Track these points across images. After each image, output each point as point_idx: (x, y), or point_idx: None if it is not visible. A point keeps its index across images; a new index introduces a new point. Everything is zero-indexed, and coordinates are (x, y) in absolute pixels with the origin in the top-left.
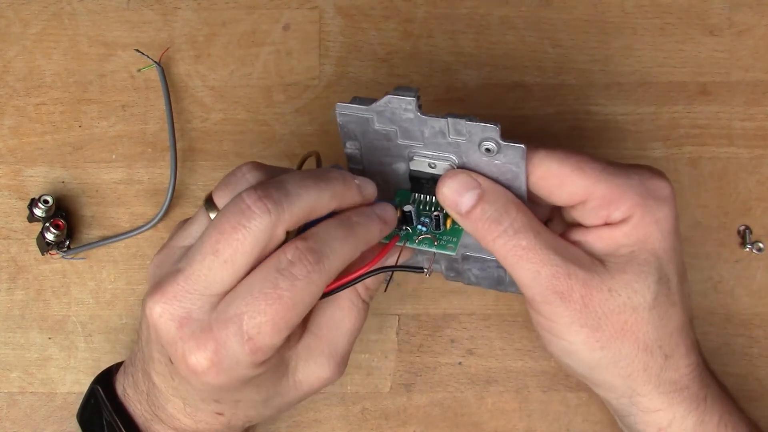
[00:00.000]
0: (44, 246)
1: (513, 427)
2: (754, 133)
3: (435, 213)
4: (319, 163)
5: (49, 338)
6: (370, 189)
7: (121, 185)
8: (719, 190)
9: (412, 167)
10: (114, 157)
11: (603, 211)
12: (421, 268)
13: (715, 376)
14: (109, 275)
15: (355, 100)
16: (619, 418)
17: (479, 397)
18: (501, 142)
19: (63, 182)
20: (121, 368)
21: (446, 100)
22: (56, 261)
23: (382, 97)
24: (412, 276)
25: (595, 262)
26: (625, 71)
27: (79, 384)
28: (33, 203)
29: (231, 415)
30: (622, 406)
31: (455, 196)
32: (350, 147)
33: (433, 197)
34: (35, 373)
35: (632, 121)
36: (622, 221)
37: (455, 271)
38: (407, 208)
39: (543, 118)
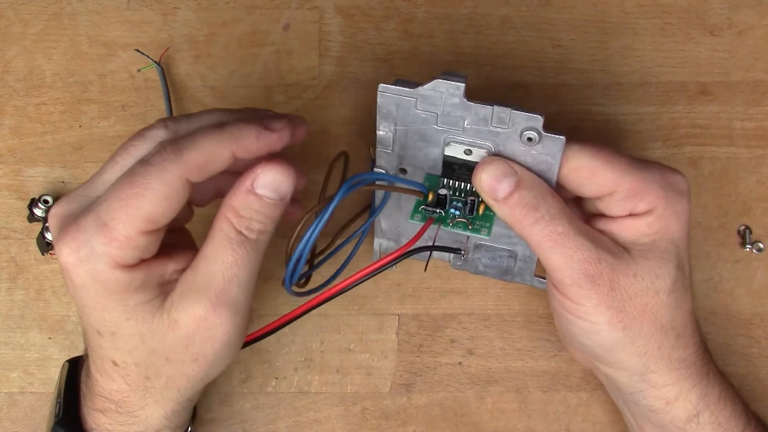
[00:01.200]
0: (44, 246)
1: (513, 427)
2: (754, 133)
3: (471, 198)
4: (347, 164)
5: (49, 338)
6: (278, 123)
7: None
8: (719, 190)
9: (447, 152)
10: None
11: (629, 203)
12: (459, 249)
13: (709, 354)
14: None
15: (398, 82)
16: (626, 395)
17: (479, 397)
18: (543, 132)
19: (63, 182)
20: None
21: None
22: (56, 261)
23: (428, 81)
24: (413, 276)
25: (620, 248)
26: (625, 71)
27: None
28: (33, 203)
29: (123, 364)
30: (632, 383)
31: (494, 182)
32: (384, 129)
33: (463, 183)
34: (35, 373)
35: (632, 121)
36: (647, 213)
37: (463, 259)
38: (442, 191)
39: None
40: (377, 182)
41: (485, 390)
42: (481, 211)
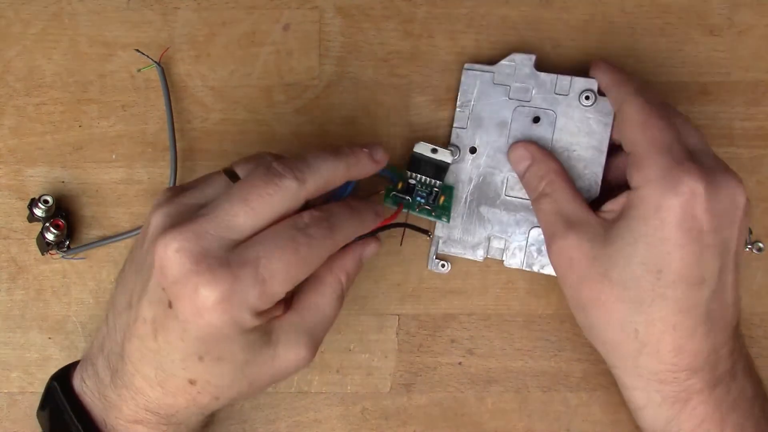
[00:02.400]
0: (44, 246)
1: (513, 427)
2: (754, 133)
3: (435, 189)
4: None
5: (49, 338)
6: (379, 154)
7: (121, 185)
8: None
9: (415, 149)
10: (114, 157)
11: (633, 172)
12: (426, 230)
13: (728, 382)
14: (109, 275)
15: (471, 63)
16: None
17: (479, 397)
18: (597, 94)
19: (63, 182)
20: (80, 362)
21: (447, 100)
22: (56, 261)
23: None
24: (412, 276)
25: (596, 232)
26: (625, 71)
27: None
28: (33, 203)
29: (203, 384)
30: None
31: (514, 160)
32: (462, 107)
33: (426, 178)
34: (35, 373)
35: None
36: (634, 188)
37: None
38: (412, 180)
39: None
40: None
41: (485, 390)
42: (441, 201)
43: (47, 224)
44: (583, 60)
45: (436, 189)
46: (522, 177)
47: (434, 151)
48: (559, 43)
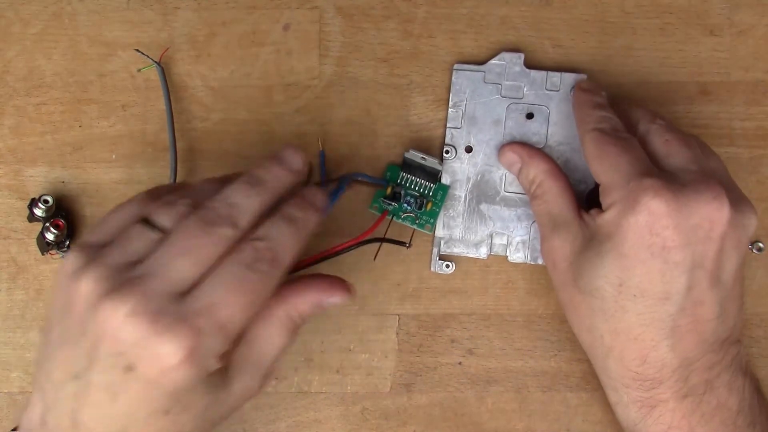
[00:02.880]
0: (44, 246)
1: (513, 427)
2: (754, 133)
3: (418, 195)
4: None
5: None
6: (294, 161)
7: (121, 185)
8: None
9: (406, 156)
10: (114, 157)
11: (600, 197)
12: (405, 242)
13: (710, 398)
14: None
15: (460, 63)
16: None
17: (479, 397)
18: None
19: (63, 182)
20: None
21: (446, 100)
22: (56, 261)
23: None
24: (413, 276)
25: (577, 236)
26: (625, 71)
27: None
28: (33, 203)
29: (167, 428)
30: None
31: (507, 166)
32: (455, 107)
33: (418, 179)
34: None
35: None
36: (603, 210)
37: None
38: (398, 189)
39: None
40: (359, 179)
41: (485, 390)
42: (428, 207)
43: (47, 224)
44: (583, 60)
45: (420, 196)
46: (517, 178)
47: (424, 159)
48: (559, 43)
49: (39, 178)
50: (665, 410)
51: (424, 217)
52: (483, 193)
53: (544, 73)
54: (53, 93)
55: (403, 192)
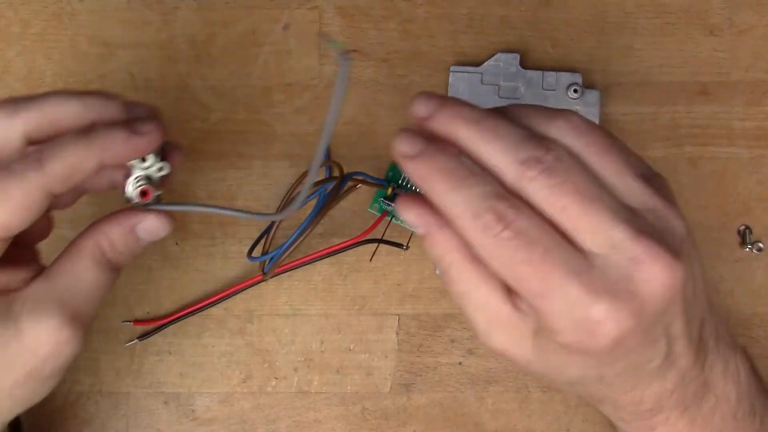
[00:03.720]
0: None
1: (513, 427)
2: (754, 133)
3: None
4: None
5: None
6: (146, 126)
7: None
8: (719, 190)
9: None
10: None
11: None
12: (402, 244)
13: (708, 400)
14: None
15: (458, 65)
16: None
17: (479, 397)
18: (582, 87)
19: None
20: None
21: None
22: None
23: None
24: (413, 276)
25: (519, 327)
26: (625, 71)
27: (79, 383)
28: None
29: None
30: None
31: (405, 220)
32: None
33: None
34: None
35: (632, 121)
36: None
37: None
38: (398, 191)
39: None
40: (354, 178)
41: (485, 390)
42: None
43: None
44: (583, 60)
45: None
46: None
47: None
48: (559, 43)
49: None
50: (667, 428)
51: None
52: None
53: (539, 72)
54: None
55: (402, 193)
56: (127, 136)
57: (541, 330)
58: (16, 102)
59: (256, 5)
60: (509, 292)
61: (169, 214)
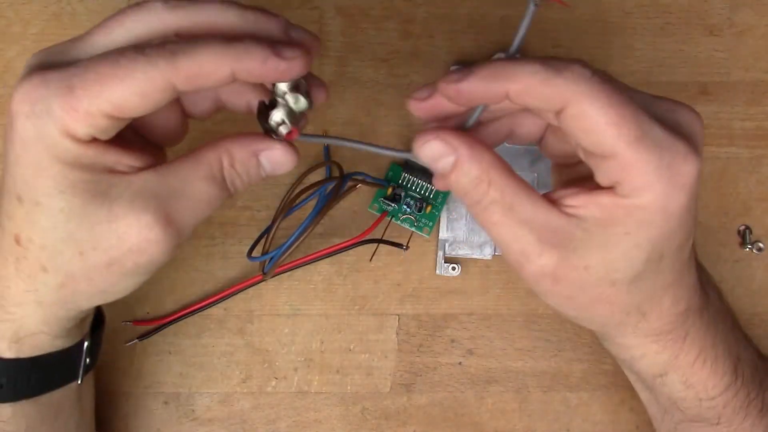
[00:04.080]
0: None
1: (513, 427)
2: (754, 133)
3: (419, 198)
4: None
5: None
6: (296, 53)
7: None
8: (719, 190)
9: (408, 159)
10: None
11: (617, 176)
12: (402, 244)
13: (711, 310)
14: None
15: (457, 65)
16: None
17: (479, 397)
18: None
19: None
20: None
21: None
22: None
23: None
24: (413, 276)
25: (575, 237)
26: (625, 71)
27: None
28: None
29: (26, 242)
30: (599, 336)
31: (432, 163)
32: None
33: (419, 180)
34: None
35: None
36: (629, 196)
37: None
38: (398, 191)
39: None
40: (354, 178)
41: (485, 390)
42: (427, 210)
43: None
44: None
45: (428, 193)
46: (444, 178)
47: (425, 163)
48: (559, 43)
49: None
50: (695, 333)
51: (423, 220)
52: None
53: None
54: None
55: (403, 193)
56: (267, 55)
57: (599, 224)
58: (177, 48)
59: (256, 5)
60: (553, 202)
61: (296, 152)
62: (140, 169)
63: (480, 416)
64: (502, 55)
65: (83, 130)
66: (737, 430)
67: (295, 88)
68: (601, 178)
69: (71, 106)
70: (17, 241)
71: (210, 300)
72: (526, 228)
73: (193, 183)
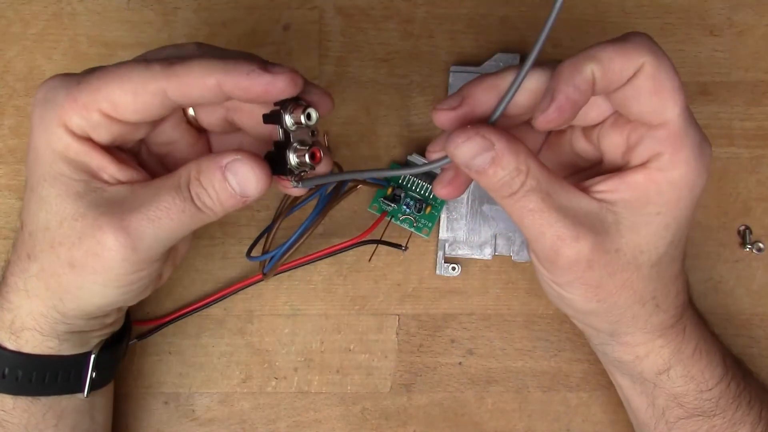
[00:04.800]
0: (280, 167)
1: (513, 427)
2: (754, 133)
3: (419, 198)
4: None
5: None
6: (285, 77)
7: None
8: (719, 190)
9: (409, 158)
10: None
11: (661, 147)
12: (401, 245)
13: (692, 303)
14: None
15: (458, 65)
16: (595, 345)
17: (479, 397)
18: None
19: None
20: None
21: None
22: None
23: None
24: (413, 276)
25: (607, 221)
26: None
27: None
28: (287, 106)
29: (27, 233)
30: (602, 339)
31: (468, 160)
32: None
33: (419, 181)
34: None
35: None
36: (663, 170)
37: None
38: (398, 191)
39: None
40: (355, 179)
41: (485, 390)
42: (427, 211)
43: (301, 146)
44: None
45: (428, 194)
46: (481, 174)
47: (425, 164)
48: (559, 43)
49: None
50: (690, 324)
51: (423, 221)
52: (485, 195)
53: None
54: None
55: (403, 194)
56: (252, 68)
57: (629, 206)
58: (174, 59)
59: (256, 5)
60: (584, 189)
61: (267, 172)
62: (121, 183)
63: (480, 416)
64: (502, 55)
65: (78, 122)
66: (731, 421)
67: (296, 109)
68: (642, 150)
69: (72, 97)
70: (22, 225)
71: (210, 299)
72: (561, 213)
73: (158, 194)
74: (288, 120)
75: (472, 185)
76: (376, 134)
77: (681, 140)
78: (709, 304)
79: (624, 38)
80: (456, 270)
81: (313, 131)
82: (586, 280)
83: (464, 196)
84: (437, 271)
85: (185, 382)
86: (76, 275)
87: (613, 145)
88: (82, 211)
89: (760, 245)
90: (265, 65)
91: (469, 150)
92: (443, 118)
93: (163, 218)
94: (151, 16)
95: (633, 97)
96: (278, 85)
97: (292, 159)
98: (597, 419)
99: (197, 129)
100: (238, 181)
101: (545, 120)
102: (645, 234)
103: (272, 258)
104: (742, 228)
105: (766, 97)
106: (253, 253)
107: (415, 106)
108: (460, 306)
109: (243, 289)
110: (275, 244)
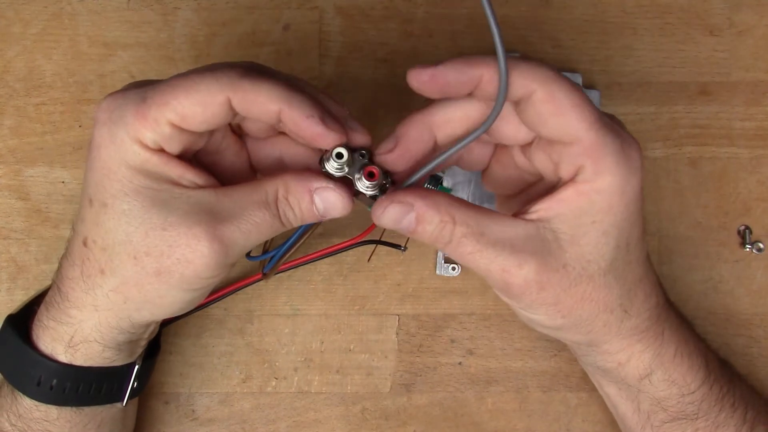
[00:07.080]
0: (367, 200)
1: (513, 427)
2: (754, 133)
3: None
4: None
5: None
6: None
7: None
8: (719, 190)
9: None
10: None
11: (581, 161)
12: (400, 245)
13: (673, 307)
14: None
15: None
16: (578, 355)
17: (479, 397)
18: (582, 86)
19: (63, 182)
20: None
21: None
22: (56, 262)
23: None
24: (412, 276)
25: (548, 240)
26: (625, 71)
27: None
28: (323, 159)
29: (91, 244)
30: (582, 351)
31: (395, 225)
32: None
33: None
34: None
35: (632, 121)
36: (589, 182)
37: None
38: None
39: None
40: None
41: (485, 390)
42: None
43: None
44: (583, 60)
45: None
46: (413, 233)
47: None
48: (559, 43)
49: (39, 178)
50: (669, 328)
51: None
52: (485, 194)
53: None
54: (53, 93)
55: None
56: (313, 113)
57: (565, 220)
58: (244, 76)
59: (256, 5)
60: (516, 215)
61: (349, 197)
62: (201, 187)
63: (480, 416)
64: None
65: (150, 136)
66: (714, 423)
67: (330, 158)
68: (565, 167)
69: (141, 114)
70: (84, 243)
71: (210, 299)
72: (499, 247)
73: (246, 207)
74: (329, 168)
75: (472, 186)
76: (376, 134)
77: (598, 151)
78: (709, 304)
79: (519, 60)
80: (456, 270)
81: (362, 153)
82: (543, 300)
83: (464, 196)
84: (437, 271)
85: (185, 382)
86: (162, 283)
87: (542, 163)
88: (171, 219)
89: (760, 245)
90: (324, 114)
91: (391, 216)
92: (386, 160)
93: (254, 231)
94: (151, 16)
95: (539, 123)
96: (327, 140)
97: (362, 188)
98: (597, 419)
99: (237, 134)
100: (325, 206)
101: (414, 80)
102: (586, 244)
103: (272, 258)
104: (742, 228)
105: (766, 97)
106: (253, 253)
107: (415, 106)
108: (460, 306)
109: (243, 288)
110: (275, 244)
